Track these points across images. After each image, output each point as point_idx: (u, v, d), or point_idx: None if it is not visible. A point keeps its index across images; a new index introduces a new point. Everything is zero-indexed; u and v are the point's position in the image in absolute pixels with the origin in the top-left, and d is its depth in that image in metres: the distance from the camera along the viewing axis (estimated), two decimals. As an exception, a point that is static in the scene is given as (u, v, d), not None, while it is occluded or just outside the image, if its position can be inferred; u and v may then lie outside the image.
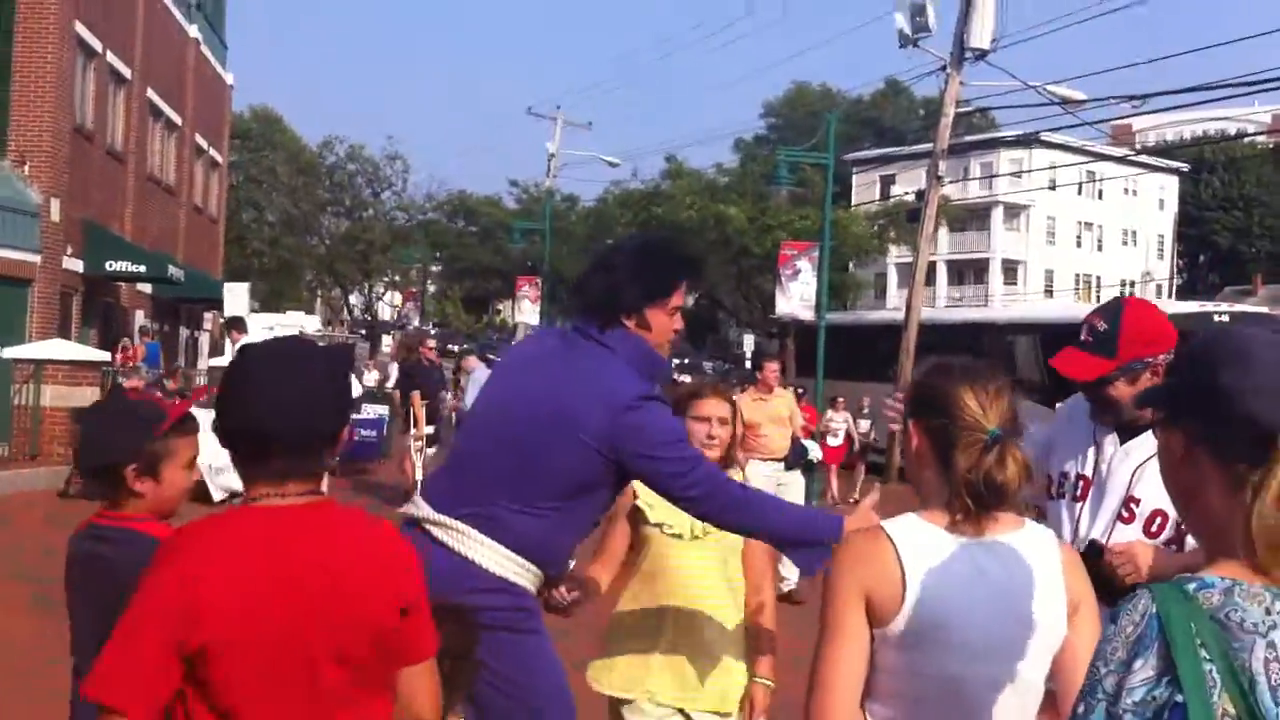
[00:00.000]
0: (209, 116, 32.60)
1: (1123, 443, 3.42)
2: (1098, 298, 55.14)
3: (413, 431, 15.56)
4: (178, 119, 29.21)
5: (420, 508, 3.38)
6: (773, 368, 11.35)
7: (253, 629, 2.05)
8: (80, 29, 21.51)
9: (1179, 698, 1.49)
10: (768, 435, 10.87)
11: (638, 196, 41.90)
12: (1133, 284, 64.65)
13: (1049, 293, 65.21)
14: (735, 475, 3.88)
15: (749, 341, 38.21)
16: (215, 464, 14.43)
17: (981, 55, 19.86)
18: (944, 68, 20.43)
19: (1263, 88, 19.88)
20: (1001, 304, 56.06)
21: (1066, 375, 3.39)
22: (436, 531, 3.31)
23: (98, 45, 22.77)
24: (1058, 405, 3.91)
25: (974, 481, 2.27)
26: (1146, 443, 3.31)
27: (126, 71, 24.76)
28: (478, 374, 15.48)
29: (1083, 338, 3.43)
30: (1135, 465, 3.37)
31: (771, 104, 67.47)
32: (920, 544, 2.29)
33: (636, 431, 3.26)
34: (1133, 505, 3.36)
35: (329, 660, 2.13)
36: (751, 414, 10.97)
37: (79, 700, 2.67)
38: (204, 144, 32.22)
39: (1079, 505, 3.47)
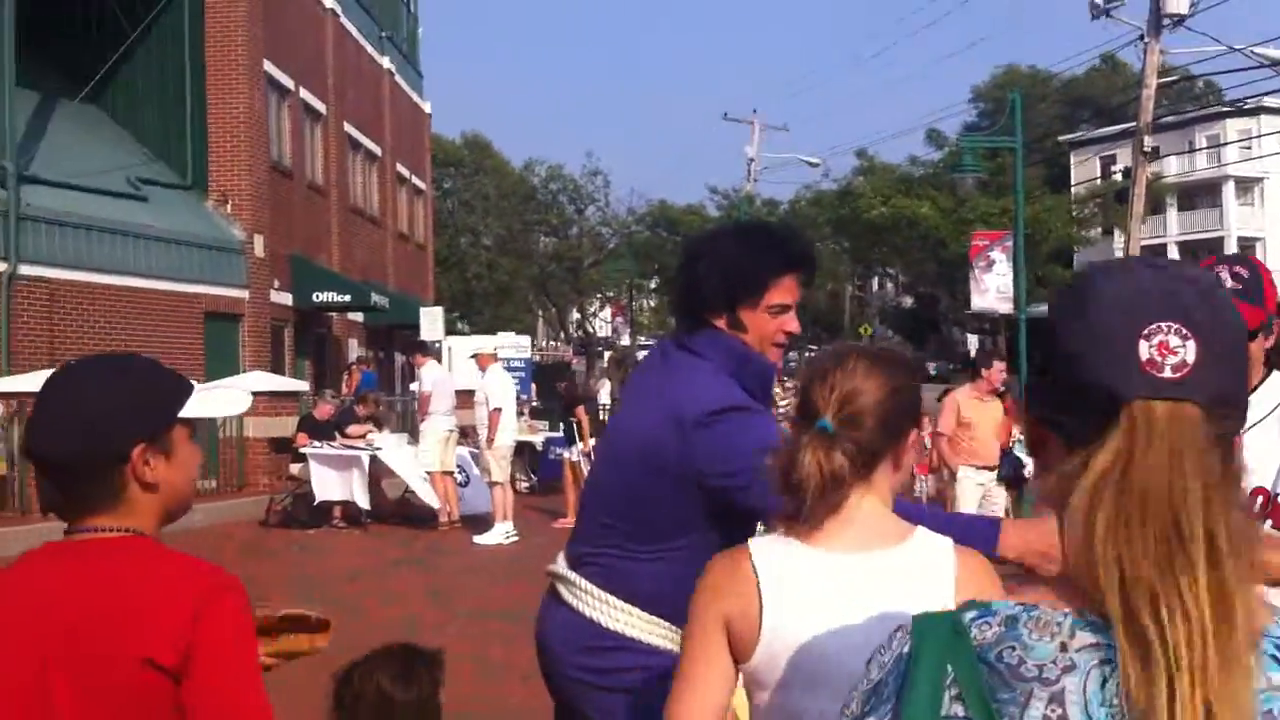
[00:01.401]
0: (409, 145, 33.49)
1: None
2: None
3: (577, 445, 15.55)
4: (377, 149, 30.08)
5: (556, 561, 3.13)
6: (1000, 368, 10.71)
7: None
8: (270, 68, 22.32)
9: None
10: (981, 439, 10.39)
11: (829, 197, 41.19)
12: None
13: (1292, 270, 61.08)
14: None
15: (973, 341, 37.04)
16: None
17: (1180, 20, 18.61)
18: (1142, 37, 19.25)
19: None
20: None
21: None
22: (560, 588, 3.05)
23: (289, 83, 23.60)
24: None
25: (794, 482, 1.95)
26: None
27: (321, 107, 25.60)
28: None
29: (1230, 284, 2.92)
30: None
31: (980, 89, 65.41)
32: (780, 563, 1.96)
33: (709, 450, 2.80)
34: None
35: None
36: (969, 412, 10.45)
37: None
38: (405, 172, 33.11)
39: None
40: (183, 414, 2.05)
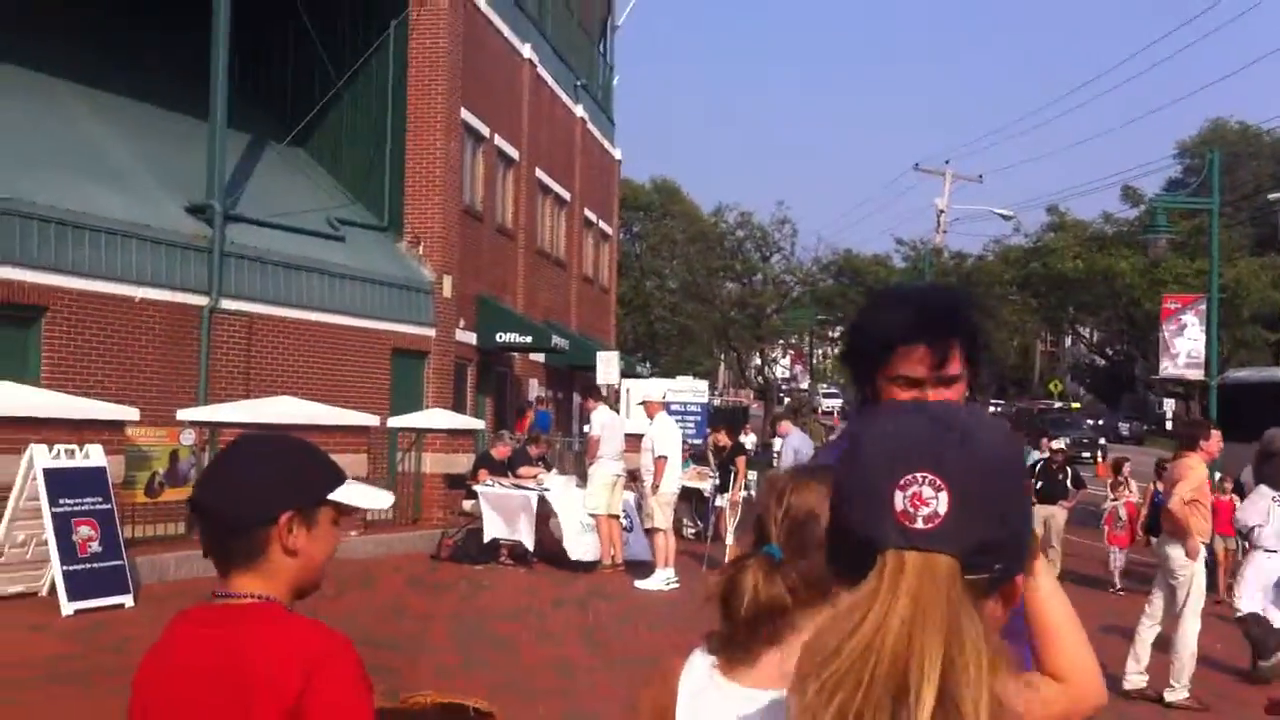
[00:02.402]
0: (598, 190, 34.15)
1: None
2: None
3: (728, 494, 15.66)
4: (566, 194, 30.75)
5: None
6: (1218, 437, 10.30)
7: None
8: (468, 116, 23.08)
9: None
10: (1207, 512, 10.17)
11: (1018, 253, 40.30)
12: None
13: None
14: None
15: (1169, 404, 35.86)
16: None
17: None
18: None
19: None
20: None
21: None
22: None
23: (485, 130, 24.36)
24: None
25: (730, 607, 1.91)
26: None
27: (514, 153, 26.33)
28: (792, 439, 15.42)
29: None
30: None
31: (1185, 144, 63.14)
32: (700, 689, 1.95)
33: None
34: None
35: None
36: (1204, 489, 10.17)
37: None
38: (593, 217, 33.74)
39: None
40: (332, 497, 2.28)
